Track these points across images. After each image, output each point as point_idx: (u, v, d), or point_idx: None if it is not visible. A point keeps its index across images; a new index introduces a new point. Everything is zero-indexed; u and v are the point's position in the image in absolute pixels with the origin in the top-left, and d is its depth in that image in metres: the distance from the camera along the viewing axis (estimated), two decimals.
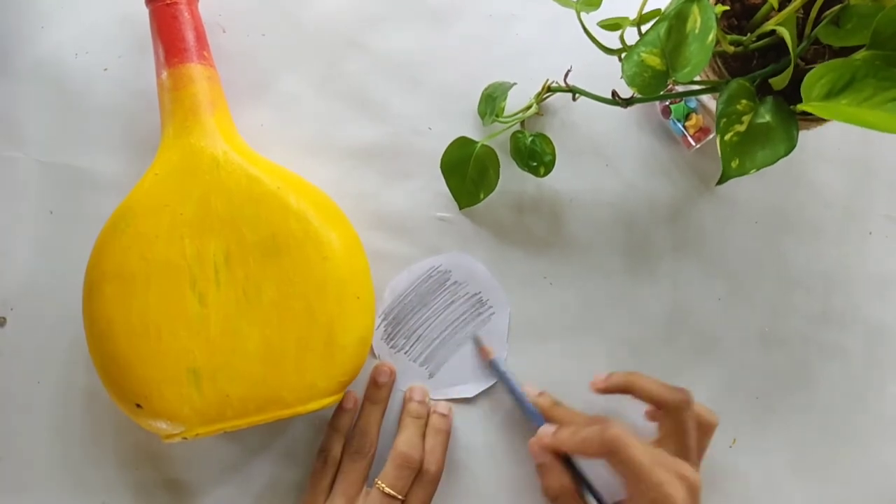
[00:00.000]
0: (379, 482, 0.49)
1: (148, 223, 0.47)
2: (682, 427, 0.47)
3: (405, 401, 0.53)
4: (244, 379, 0.46)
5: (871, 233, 0.57)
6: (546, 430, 0.49)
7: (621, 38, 0.47)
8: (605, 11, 0.46)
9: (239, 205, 0.48)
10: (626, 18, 0.46)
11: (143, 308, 0.46)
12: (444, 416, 0.52)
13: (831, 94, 0.39)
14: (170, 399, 0.46)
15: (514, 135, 0.53)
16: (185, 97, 0.49)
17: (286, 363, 0.47)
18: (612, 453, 0.44)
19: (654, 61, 0.43)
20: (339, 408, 0.52)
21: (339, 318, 0.48)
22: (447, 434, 0.52)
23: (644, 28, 0.45)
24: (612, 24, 0.47)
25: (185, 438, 0.47)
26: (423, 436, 0.52)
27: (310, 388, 0.47)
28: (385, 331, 0.54)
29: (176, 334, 0.46)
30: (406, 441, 0.50)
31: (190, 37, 0.50)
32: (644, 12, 0.45)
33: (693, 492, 0.44)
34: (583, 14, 0.46)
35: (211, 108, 0.50)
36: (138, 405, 0.46)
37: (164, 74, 0.50)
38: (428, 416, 0.52)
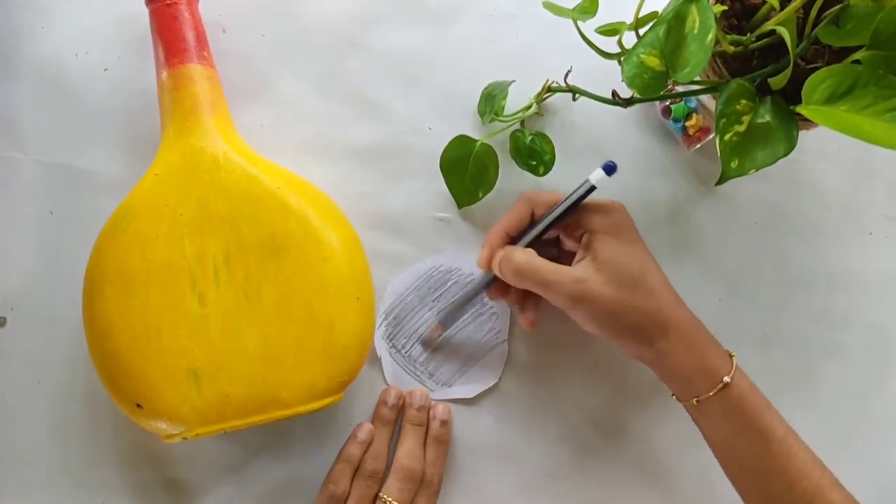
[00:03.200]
0: (383, 495, 0.49)
1: (148, 223, 0.47)
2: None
3: (405, 406, 0.53)
4: (244, 379, 0.46)
5: (871, 233, 0.57)
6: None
7: (619, 43, 0.47)
8: (602, 17, 0.46)
9: (239, 205, 0.48)
10: (624, 23, 0.46)
11: (143, 308, 0.46)
12: (444, 423, 0.52)
13: (832, 98, 0.39)
14: (170, 399, 0.46)
15: (513, 134, 0.53)
16: (186, 97, 0.49)
17: (286, 363, 0.47)
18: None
19: (654, 62, 0.43)
20: (353, 438, 0.51)
21: (339, 319, 0.48)
22: (447, 444, 0.52)
23: (641, 32, 0.45)
24: (609, 30, 0.47)
25: (185, 438, 0.47)
26: (424, 444, 0.51)
27: (310, 388, 0.47)
28: (386, 330, 0.54)
29: (176, 334, 0.46)
30: (408, 453, 0.50)
31: (190, 37, 0.50)
32: (641, 16, 0.45)
33: None
34: (580, 21, 0.46)
35: (211, 109, 0.50)
36: (138, 405, 0.46)
37: (165, 75, 0.50)
38: (428, 421, 0.52)
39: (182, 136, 0.49)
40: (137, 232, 0.47)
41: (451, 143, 0.52)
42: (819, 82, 0.39)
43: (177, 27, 0.50)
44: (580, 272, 0.46)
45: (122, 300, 0.47)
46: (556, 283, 0.46)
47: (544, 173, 0.52)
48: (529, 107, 0.53)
